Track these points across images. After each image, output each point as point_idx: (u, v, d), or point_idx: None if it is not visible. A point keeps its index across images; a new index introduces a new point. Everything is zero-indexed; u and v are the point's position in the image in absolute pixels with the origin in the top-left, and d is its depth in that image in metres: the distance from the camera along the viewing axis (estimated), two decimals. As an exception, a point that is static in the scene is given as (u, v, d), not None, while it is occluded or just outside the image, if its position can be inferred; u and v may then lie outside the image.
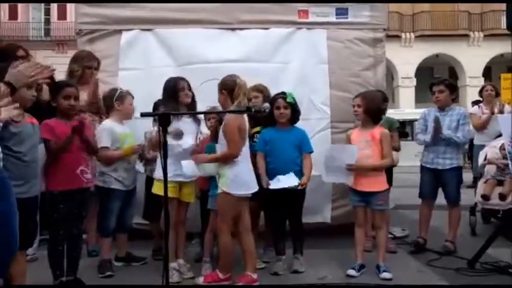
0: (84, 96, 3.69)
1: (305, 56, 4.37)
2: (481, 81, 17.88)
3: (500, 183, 4.44)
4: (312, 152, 3.42)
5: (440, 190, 4.00)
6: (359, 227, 3.42)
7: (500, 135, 4.50)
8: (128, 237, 3.60)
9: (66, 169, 2.91)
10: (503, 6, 3.97)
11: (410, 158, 6.23)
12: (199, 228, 3.58)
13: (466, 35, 21.15)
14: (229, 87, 3.04)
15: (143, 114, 3.16)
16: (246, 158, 3.08)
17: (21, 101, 2.45)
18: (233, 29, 4.41)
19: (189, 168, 3.08)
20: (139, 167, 3.59)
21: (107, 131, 3.31)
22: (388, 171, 3.64)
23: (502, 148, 4.49)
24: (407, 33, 21.23)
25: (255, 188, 3.11)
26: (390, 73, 20.37)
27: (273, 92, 3.58)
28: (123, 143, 3.34)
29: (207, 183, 3.33)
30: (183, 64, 4.23)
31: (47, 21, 22.40)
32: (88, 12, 4.47)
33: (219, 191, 3.03)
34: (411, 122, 14.06)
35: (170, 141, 3.12)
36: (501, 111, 5.15)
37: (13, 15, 21.97)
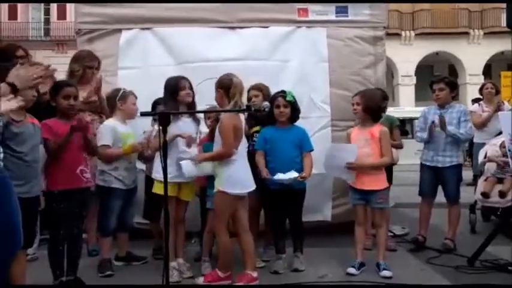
0: (84, 95, 3.70)
1: (305, 55, 4.36)
2: (481, 79, 17.89)
3: (500, 181, 4.44)
4: (312, 150, 3.42)
5: (440, 188, 4.00)
6: (359, 225, 3.42)
7: (500, 133, 4.51)
8: (128, 237, 3.60)
9: (66, 169, 2.91)
10: (503, 3, 3.97)
11: (410, 156, 6.22)
12: (198, 228, 3.59)
13: (466, 33, 21.14)
14: (225, 86, 3.04)
15: (143, 114, 3.17)
16: (243, 157, 3.08)
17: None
18: (233, 28, 4.41)
19: (188, 167, 3.08)
20: (140, 164, 3.59)
21: (109, 130, 3.32)
22: (388, 169, 3.65)
23: (502, 146, 4.50)
24: (407, 31, 21.22)
25: (252, 187, 3.11)
26: (390, 71, 20.36)
27: (273, 90, 3.58)
28: (125, 143, 3.34)
29: (207, 181, 3.33)
30: (182, 63, 4.23)
31: (47, 21, 22.39)
32: (88, 11, 4.46)
33: (215, 190, 3.05)
34: (411, 120, 14.06)
35: (182, 147, 3.14)
36: (499, 109, 5.15)
37: (13, 15, 21.97)
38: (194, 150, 3.23)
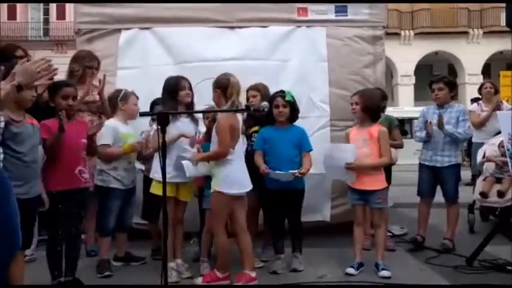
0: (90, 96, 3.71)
1: (304, 54, 4.36)
2: (480, 79, 17.90)
3: (498, 180, 4.45)
4: (311, 150, 3.42)
5: (438, 188, 4.00)
6: (358, 225, 3.42)
7: (499, 132, 4.51)
8: (127, 237, 3.60)
9: (65, 169, 2.90)
10: (503, 3, 3.97)
11: (409, 156, 6.23)
12: (197, 228, 3.58)
13: (465, 32, 21.15)
14: (223, 86, 3.04)
15: (142, 114, 3.18)
16: (239, 157, 3.08)
17: (22, 102, 2.46)
18: (232, 28, 4.41)
19: (189, 168, 3.09)
20: (138, 165, 3.59)
21: (110, 130, 3.33)
22: (387, 169, 3.64)
23: (500, 146, 4.50)
24: (407, 31, 21.22)
25: (249, 187, 3.11)
26: (389, 71, 20.36)
27: (272, 90, 3.58)
28: (126, 143, 3.35)
29: (205, 181, 3.33)
30: (182, 62, 4.23)
31: (46, 21, 22.37)
32: (87, 11, 4.46)
33: (211, 190, 3.05)
34: (410, 120, 14.05)
35: (185, 146, 3.14)
36: (498, 108, 5.15)
37: (12, 15, 21.95)
38: (194, 150, 3.23)
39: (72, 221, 2.96)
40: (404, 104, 18.73)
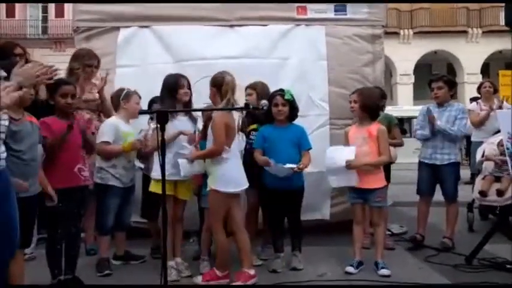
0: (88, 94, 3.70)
1: (304, 53, 4.36)
2: (479, 78, 17.89)
3: (497, 179, 4.45)
4: (310, 148, 3.42)
5: (438, 187, 4.00)
6: (357, 224, 3.42)
7: (498, 131, 4.51)
8: (126, 236, 3.60)
9: (64, 167, 2.90)
10: (502, 2, 3.97)
11: (408, 155, 6.24)
12: (197, 227, 3.58)
13: (465, 32, 21.15)
14: (218, 84, 3.05)
15: (141, 112, 3.18)
16: (236, 156, 3.09)
17: (20, 100, 2.45)
18: (231, 26, 4.40)
19: (184, 166, 3.08)
20: (138, 163, 3.58)
21: (111, 127, 3.34)
22: (386, 168, 3.65)
23: (499, 144, 4.50)
24: (406, 30, 21.21)
25: (245, 185, 3.11)
26: (388, 70, 20.35)
27: (272, 88, 3.58)
28: (126, 141, 3.35)
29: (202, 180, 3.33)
30: (181, 61, 4.22)
31: (45, 19, 22.30)
32: (85, 9, 4.45)
33: (208, 188, 3.06)
34: (409, 119, 14.05)
35: (183, 143, 3.13)
36: (500, 107, 5.16)
37: (10, 13, 21.88)
38: (192, 148, 3.23)
39: (72, 219, 2.96)
40: (403, 103, 18.74)
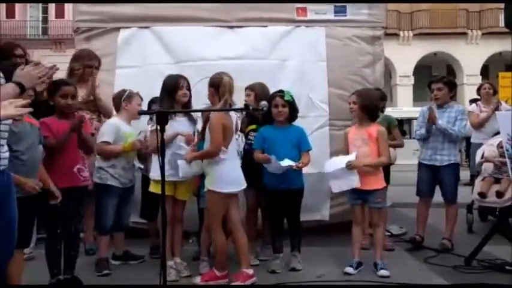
0: (82, 94, 3.69)
1: (303, 54, 4.36)
2: (479, 80, 17.91)
3: (497, 181, 4.45)
4: (310, 149, 3.42)
5: (437, 188, 4.00)
6: (356, 224, 3.42)
7: (497, 133, 4.51)
8: (125, 236, 3.60)
9: (63, 167, 2.90)
10: (502, 4, 3.98)
11: (408, 156, 6.25)
12: (196, 227, 3.58)
13: (464, 33, 21.17)
14: (215, 85, 3.06)
15: (140, 113, 3.18)
16: (233, 156, 3.09)
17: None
18: (231, 27, 4.41)
19: (183, 167, 3.09)
20: (137, 163, 3.58)
21: (112, 127, 3.35)
22: (386, 169, 3.65)
23: (499, 146, 4.50)
24: (406, 31, 21.25)
25: (243, 186, 3.12)
26: (388, 71, 20.38)
27: (271, 89, 3.58)
28: (126, 142, 3.35)
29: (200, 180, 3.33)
30: (181, 62, 4.23)
31: (45, 20, 22.34)
32: (86, 10, 4.46)
33: (205, 189, 3.06)
34: (409, 120, 14.06)
35: (180, 143, 3.14)
36: (497, 109, 5.16)
37: (11, 13, 21.91)
38: (189, 148, 3.21)
39: (71, 219, 2.96)
40: (403, 105, 18.76)
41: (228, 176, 3.03)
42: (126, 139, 3.35)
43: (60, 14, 21.66)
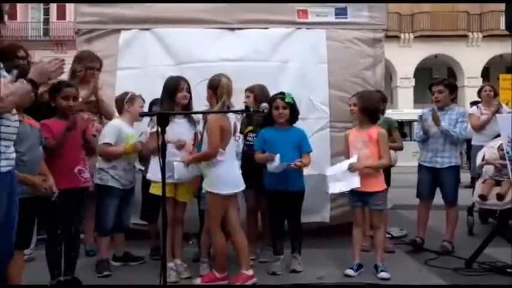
0: (82, 94, 3.70)
1: (304, 56, 4.37)
2: (480, 82, 17.90)
3: (498, 183, 4.44)
4: (311, 151, 3.42)
5: (438, 190, 4.00)
6: (357, 226, 3.42)
7: (498, 135, 4.51)
8: (125, 237, 3.60)
9: (64, 169, 2.90)
10: (502, 6, 3.98)
11: (408, 158, 6.25)
12: (197, 229, 3.58)
13: (465, 36, 21.19)
14: (214, 86, 3.06)
15: (142, 114, 3.18)
16: (231, 158, 3.09)
17: (20, 102, 2.46)
18: (232, 29, 4.42)
19: (179, 169, 3.08)
20: (138, 165, 3.59)
21: (114, 129, 3.36)
22: (386, 171, 3.65)
23: (500, 148, 4.50)
24: (407, 34, 21.26)
25: (241, 187, 3.12)
26: (389, 73, 20.38)
27: (272, 91, 3.58)
28: (128, 143, 3.36)
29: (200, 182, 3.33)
30: (181, 63, 4.24)
31: (46, 21, 22.40)
32: (87, 11, 4.47)
33: (203, 191, 3.07)
34: (410, 123, 14.06)
35: (171, 149, 3.12)
36: (498, 111, 5.16)
37: (12, 15, 21.95)
38: (182, 154, 3.18)
39: (72, 220, 2.97)
40: (403, 107, 18.77)
41: (225, 177, 3.03)
42: (128, 141, 3.36)
43: (61, 15, 21.72)
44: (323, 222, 4.27)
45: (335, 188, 3.40)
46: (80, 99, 3.39)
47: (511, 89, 8.96)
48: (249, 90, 3.64)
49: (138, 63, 4.32)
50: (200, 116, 3.47)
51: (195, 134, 3.34)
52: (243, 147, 3.38)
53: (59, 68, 2.19)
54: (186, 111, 3.28)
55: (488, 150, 4.77)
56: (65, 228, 2.93)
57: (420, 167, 4.07)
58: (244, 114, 3.53)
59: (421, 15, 21.30)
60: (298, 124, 3.51)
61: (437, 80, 4.15)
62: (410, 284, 3.11)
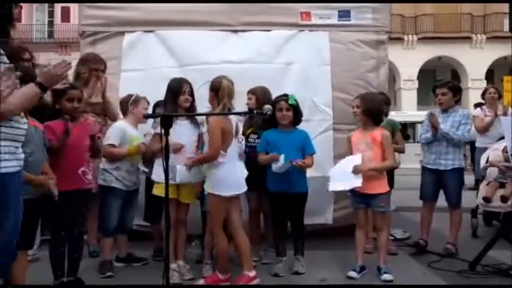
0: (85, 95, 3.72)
1: (307, 58, 4.37)
2: (484, 84, 17.86)
3: (502, 185, 4.43)
4: (314, 153, 3.42)
5: (441, 192, 3.99)
6: (360, 228, 3.41)
7: (502, 137, 4.50)
8: (128, 238, 3.61)
9: (68, 170, 2.91)
10: (506, 8, 3.97)
11: (412, 160, 6.25)
12: (200, 230, 3.58)
13: (469, 38, 21.13)
14: (215, 88, 3.07)
15: (146, 116, 3.19)
16: (233, 159, 3.09)
17: (29, 106, 2.47)
18: (236, 31, 4.42)
19: (182, 172, 3.09)
20: (142, 167, 3.60)
21: (118, 130, 3.38)
22: (390, 173, 3.64)
23: (504, 150, 4.48)
24: (410, 36, 21.22)
25: (243, 189, 3.13)
26: (392, 75, 20.33)
27: (275, 93, 3.59)
28: (132, 145, 3.38)
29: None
30: (185, 65, 4.25)
31: (51, 23, 22.52)
32: (91, 14, 4.50)
33: (205, 192, 3.08)
34: (413, 124, 14.02)
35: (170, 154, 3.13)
36: (505, 113, 5.15)
37: (16, 17, 22.05)
38: (184, 156, 3.19)
39: (75, 221, 2.98)
40: (407, 109, 18.74)
41: (227, 179, 3.04)
42: (132, 142, 3.38)
43: (65, 17, 21.83)
44: (326, 224, 4.27)
45: (335, 186, 3.39)
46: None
47: (515, 91, 8.94)
48: (251, 92, 3.66)
49: (141, 65, 4.34)
50: (204, 117, 3.49)
51: (199, 136, 3.36)
52: (245, 148, 3.38)
53: (65, 71, 2.20)
54: (190, 113, 3.29)
55: (493, 153, 4.75)
56: (69, 230, 2.94)
57: (424, 169, 4.06)
58: (247, 116, 3.53)
59: (424, 17, 21.26)
60: (301, 126, 3.51)
61: (441, 82, 4.14)
62: (414, 285, 3.09)
